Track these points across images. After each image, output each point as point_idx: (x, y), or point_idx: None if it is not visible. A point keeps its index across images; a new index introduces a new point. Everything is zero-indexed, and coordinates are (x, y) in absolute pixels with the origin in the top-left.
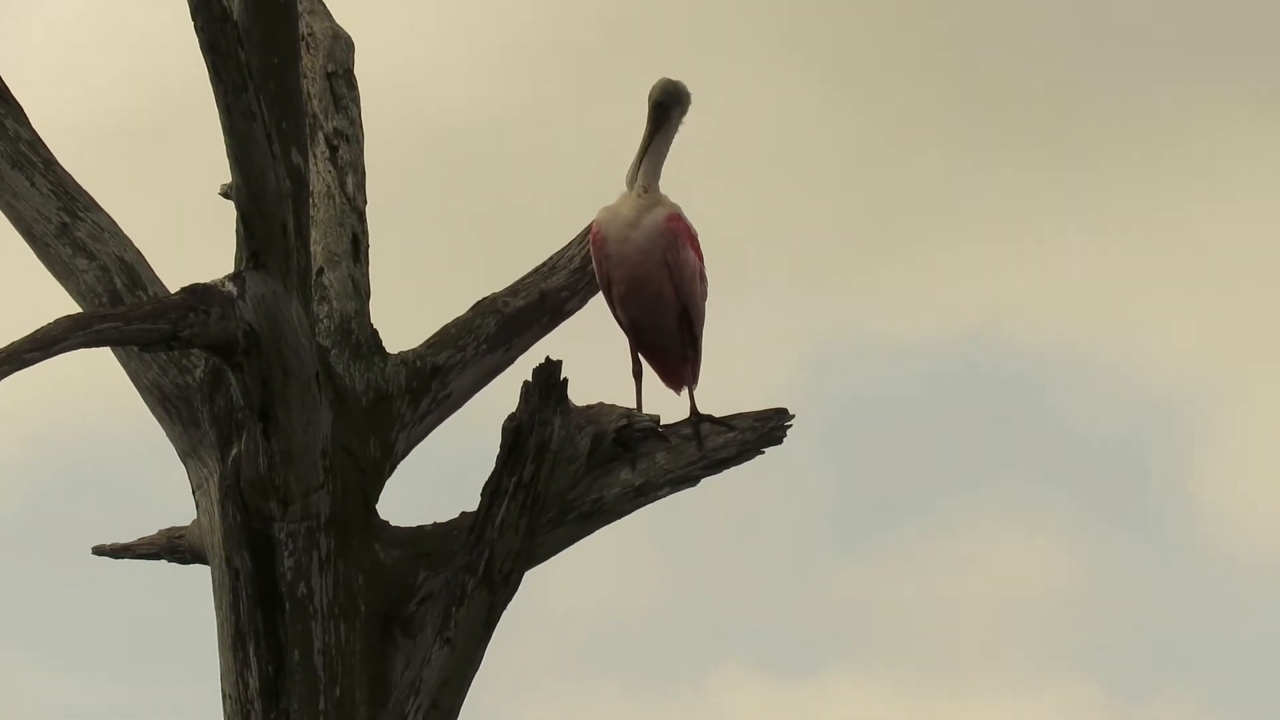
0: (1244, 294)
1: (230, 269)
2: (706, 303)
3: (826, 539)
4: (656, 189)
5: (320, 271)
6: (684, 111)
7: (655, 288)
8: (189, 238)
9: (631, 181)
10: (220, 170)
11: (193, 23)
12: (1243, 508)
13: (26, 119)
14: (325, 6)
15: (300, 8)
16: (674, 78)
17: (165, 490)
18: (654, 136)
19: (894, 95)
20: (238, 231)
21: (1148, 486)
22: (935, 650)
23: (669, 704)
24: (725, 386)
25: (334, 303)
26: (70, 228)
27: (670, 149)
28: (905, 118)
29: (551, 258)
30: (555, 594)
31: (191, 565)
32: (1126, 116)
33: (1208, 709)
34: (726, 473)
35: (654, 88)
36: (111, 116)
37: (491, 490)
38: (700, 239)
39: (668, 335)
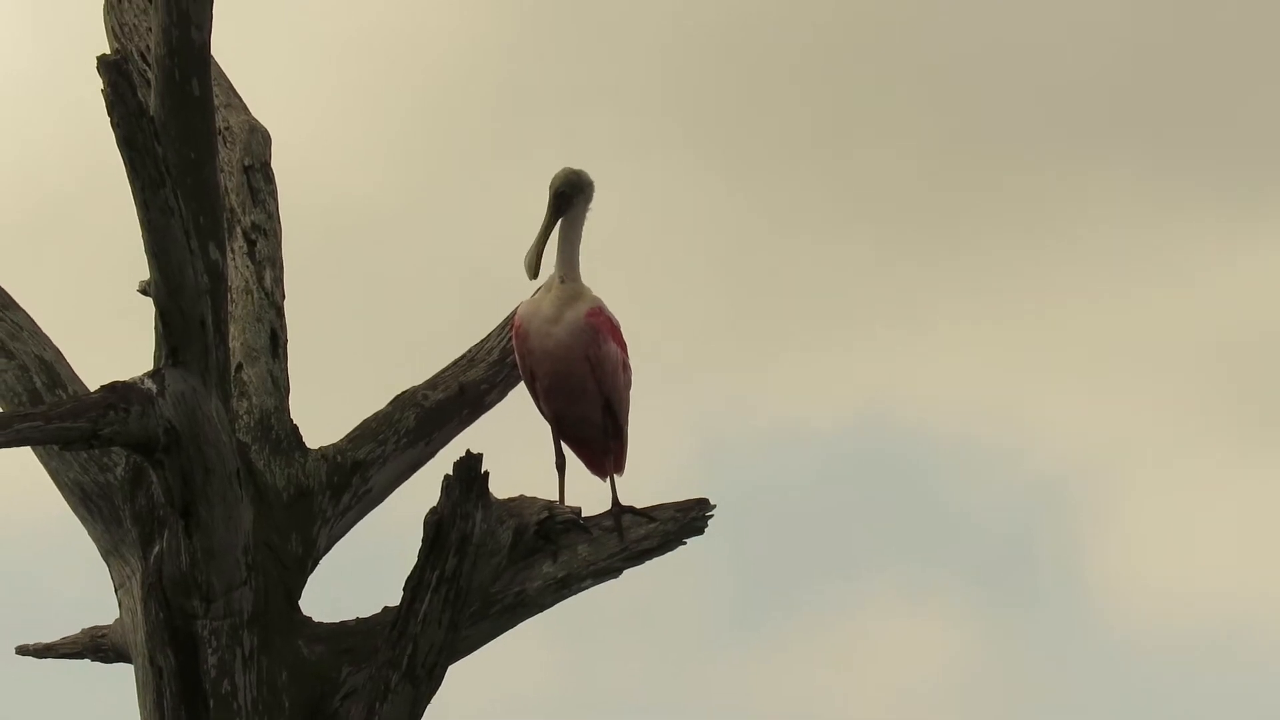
0: (1126, 380)
1: (149, 365)
2: (631, 390)
3: (721, 626)
4: (577, 278)
5: (239, 367)
6: (587, 200)
7: (579, 383)
8: (105, 333)
9: (531, 267)
10: (137, 262)
11: (109, 117)
12: (1133, 586)
13: None
14: (241, 100)
15: (216, 102)
16: (575, 167)
17: (87, 589)
18: (555, 224)
19: (780, 184)
20: (156, 328)
21: (1038, 568)
22: None
23: None
24: (589, 477)
25: (253, 398)
26: None
27: (581, 238)
28: (792, 206)
29: (470, 350)
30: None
31: (115, 664)
32: (1013, 207)
33: None
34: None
35: (556, 176)
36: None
37: (414, 584)
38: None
39: (592, 426)
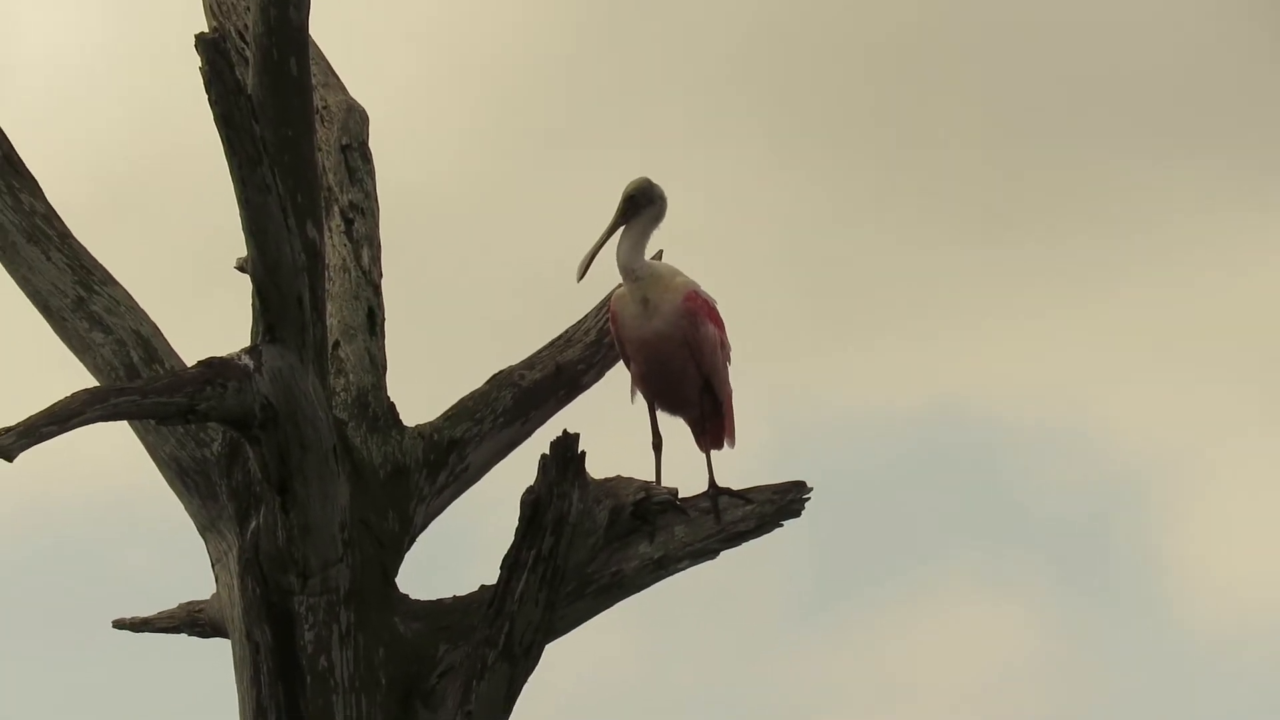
0: (1203, 369)
1: (246, 342)
2: (731, 366)
3: (796, 613)
4: (644, 266)
5: (336, 345)
6: (657, 214)
7: (679, 367)
8: (204, 310)
9: (580, 269)
10: (235, 240)
11: (207, 97)
12: (1208, 579)
13: (41, 192)
14: (339, 80)
15: (314, 81)
16: (652, 179)
17: (185, 564)
18: (618, 229)
19: (852, 174)
20: (254, 305)
21: (1112, 559)
22: None
23: None
24: (687, 457)
25: (350, 376)
26: (86, 302)
27: (647, 247)
28: (864, 196)
29: (567, 331)
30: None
31: (211, 639)
32: (1091, 195)
33: None
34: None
35: (631, 183)
36: (115, 171)
37: (510, 563)
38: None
39: (692, 406)
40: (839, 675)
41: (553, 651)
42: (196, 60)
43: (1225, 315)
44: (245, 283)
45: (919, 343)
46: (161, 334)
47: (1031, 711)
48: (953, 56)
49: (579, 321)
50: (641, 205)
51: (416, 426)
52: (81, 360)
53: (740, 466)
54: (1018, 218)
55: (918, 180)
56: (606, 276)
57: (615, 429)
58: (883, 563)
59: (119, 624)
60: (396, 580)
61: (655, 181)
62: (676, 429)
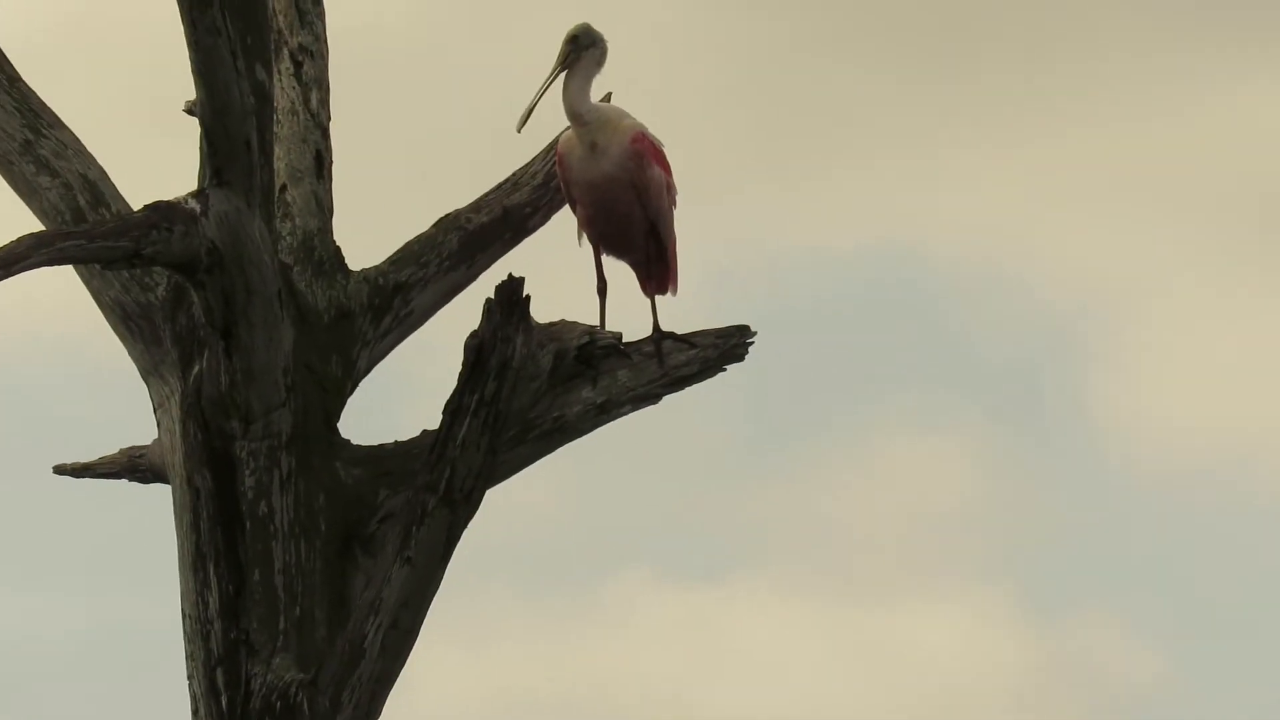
0: (1141, 215)
1: (193, 186)
2: (676, 210)
3: (733, 452)
4: (591, 109)
5: (283, 188)
6: (597, 57)
7: (625, 209)
8: (152, 154)
9: (521, 119)
10: (184, 83)
11: None
12: (1137, 418)
13: None
14: None
15: None
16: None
17: (125, 409)
18: (559, 75)
19: (793, 11)
20: (201, 148)
21: (1046, 398)
22: (845, 559)
23: (566, 610)
24: (631, 301)
25: (297, 220)
26: (33, 145)
27: (590, 91)
28: (810, 34)
29: (514, 174)
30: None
31: (152, 484)
32: (1039, 36)
33: (1120, 617)
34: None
35: (572, 27)
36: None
37: (453, 408)
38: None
39: (638, 250)
40: (776, 517)
41: (492, 496)
42: None
43: (1169, 155)
44: (193, 126)
45: (866, 182)
46: (109, 178)
47: (966, 550)
48: None
49: (526, 165)
50: (583, 47)
51: (362, 270)
52: (28, 205)
53: (683, 309)
54: (966, 58)
55: (871, 15)
56: (553, 121)
57: (561, 273)
58: (820, 405)
59: (59, 469)
60: (339, 425)
61: (594, 26)
62: (623, 274)
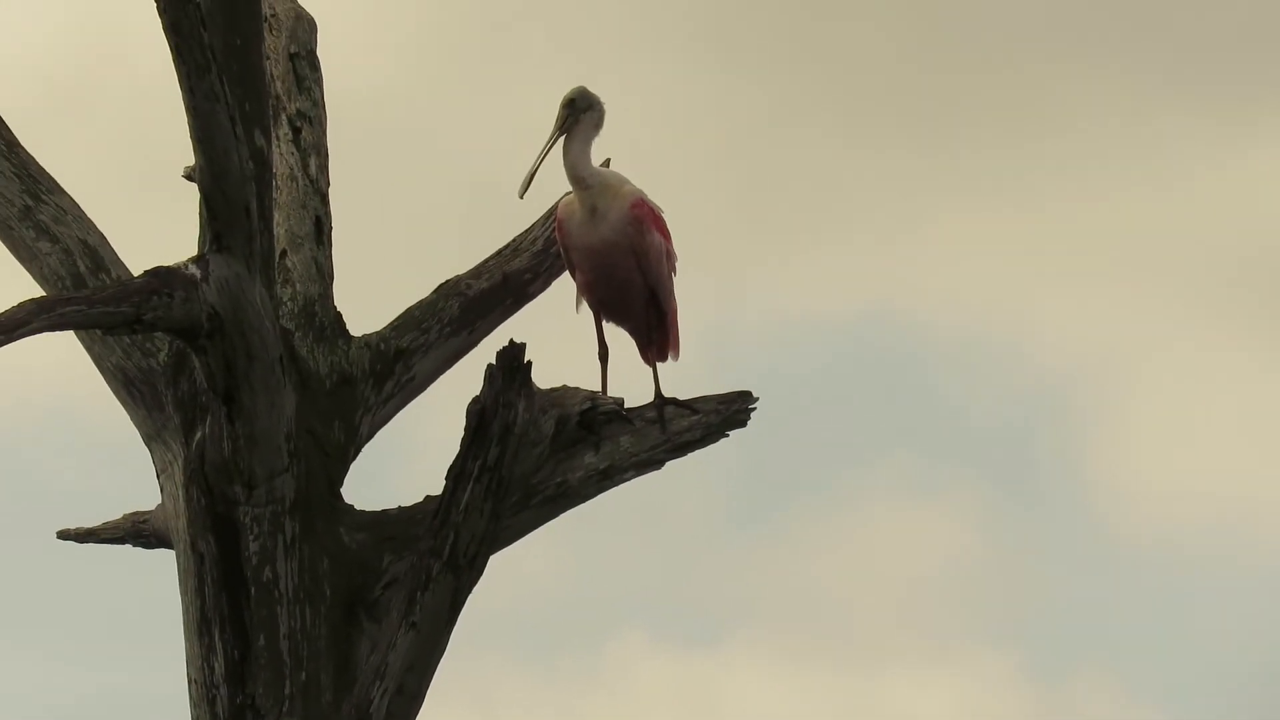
0: (1132, 282)
1: (193, 251)
2: (676, 277)
3: (728, 516)
4: (598, 178)
5: (283, 254)
6: (595, 120)
7: (624, 275)
8: (151, 219)
9: (522, 185)
10: (183, 148)
11: (155, 4)
12: (1130, 484)
13: None
14: None
15: None
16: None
17: (129, 474)
18: (558, 139)
19: (781, 81)
20: (201, 214)
21: (1038, 464)
22: (842, 623)
23: (566, 672)
24: (633, 367)
25: (297, 285)
26: (33, 210)
27: (590, 154)
28: (800, 104)
29: (515, 240)
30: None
31: (156, 550)
32: (1024, 103)
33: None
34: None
35: (568, 92)
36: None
37: (456, 474)
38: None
39: (637, 317)
40: (772, 581)
41: (500, 562)
42: None
43: (1153, 225)
44: (193, 191)
45: (853, 248)
46: (108, 243)
47: (963, 614)
48: None
49: (526, 230)
50: (581, 110)
51: (363, 336)
52: (28, 270)
53: (678, 372)
54: (952, 125)
55: (854, 86)
56: (554, 186)
57: (562, 339)
58: (814, 469)
59: (64, 534)
60: (342, 491)
61: (591, 90)
62: (623, 340)
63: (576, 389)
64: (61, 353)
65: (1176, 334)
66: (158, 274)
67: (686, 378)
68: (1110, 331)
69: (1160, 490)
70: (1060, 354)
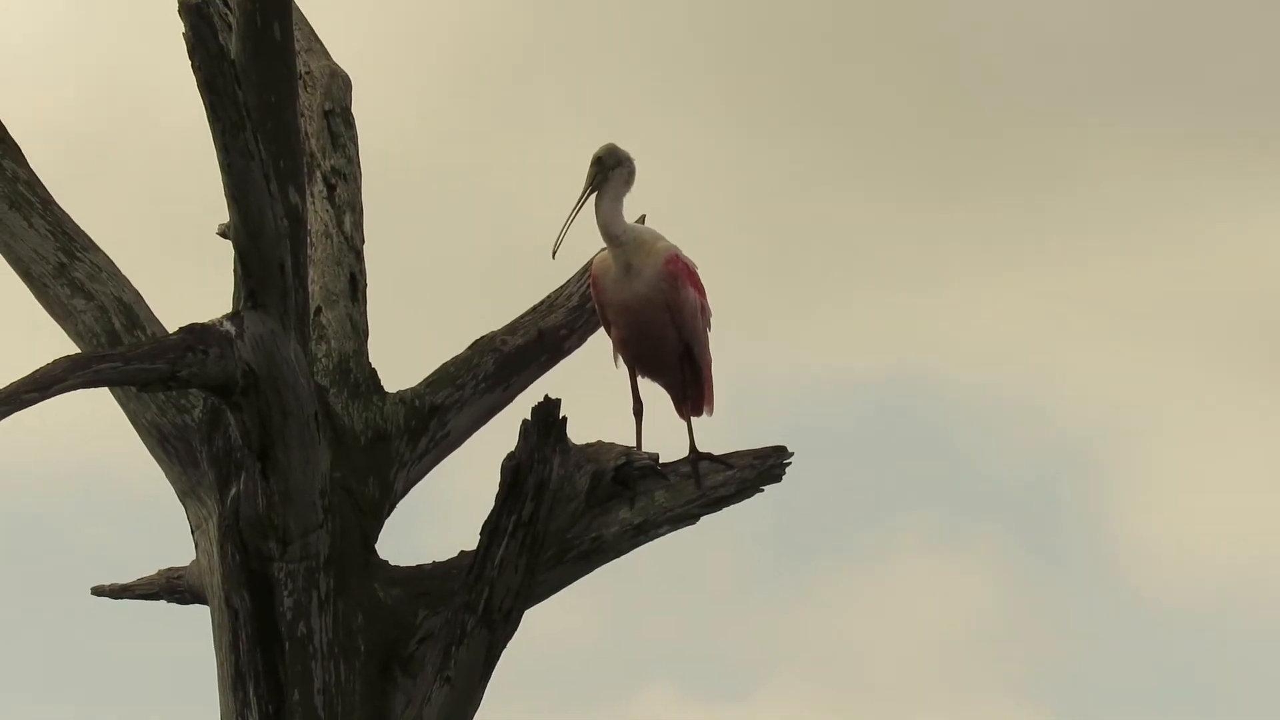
0: (1155, 336)
1: (228, 308)
2: (711, 332)
3: (758, 570)
4: (627, 230)
5: (318, 311)
6: (626, 176)
7: (659, 331)
8: (186, 276)
9: (555, 245)
10: (218, 206)
11: (190, 63)
12: (1153, 541)
13: (24, 158)
14: (323, 45)
15: (297, 46)
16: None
17: (164, 530)
18: (589, 197)
19: (799, 141)
20: (236, 270)
21: (1063, 522)
22: (867, 678)
23: None
24: (667, 422)
25: (332, 342)
26: (68, 268)
27: (622, 210)
28: (821, 162)
29: (549, 296)
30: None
31: (191, 605)
32: (1048, 161)
33: None
34: None
35: (597, 149)
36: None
37: (491, 529)
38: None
39: (671, 372)
40: (798, 635)
41: (530, 616)
42: (179, 23)
43: (1177, 282)
44: (227, 248)
45: (876, 305)
46: (143, 300)
47: (985, 669)
48: (911, 21)
49: (561, 286)
50: (610, 167)
51: (398, 392)
52: (63, 327)
53: (706, 426)
54: (973, 184)
55: (879, 145)
56: (588, 242)
57: (597, 394)
58: (841, 524)
59: (98, 591)
60: (376, 546)
61: (620, 146)
62: (659, 395)
63: (611, 444)
64: (97, 409)
65: (1198, 390)
66: (192, 331)
67: (715, 432)
68: (1132, 387)
69: (1182, 545)
70: (1082, 410)
